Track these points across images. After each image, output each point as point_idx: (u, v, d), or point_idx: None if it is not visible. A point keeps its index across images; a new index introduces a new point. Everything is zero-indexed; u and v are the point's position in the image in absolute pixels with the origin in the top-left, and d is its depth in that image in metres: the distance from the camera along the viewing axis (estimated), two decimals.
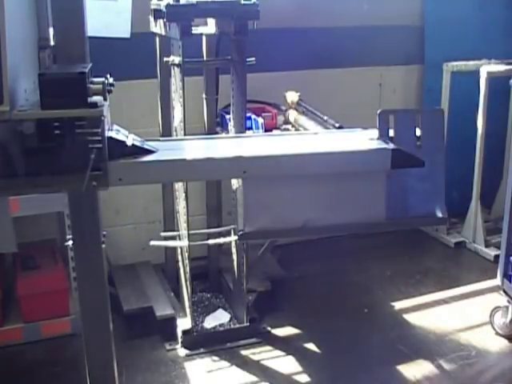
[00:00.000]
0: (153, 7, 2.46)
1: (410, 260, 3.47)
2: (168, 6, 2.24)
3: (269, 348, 2.67)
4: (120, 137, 1.28)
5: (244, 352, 2.64)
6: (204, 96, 2.87)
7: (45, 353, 2.60)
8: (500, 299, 2.73)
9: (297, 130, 2.86)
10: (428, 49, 3.68)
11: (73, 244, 1.40)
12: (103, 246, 1.41)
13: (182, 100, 2.39)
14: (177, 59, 2.36)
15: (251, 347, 2.67)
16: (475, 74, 3.29)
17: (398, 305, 3.02)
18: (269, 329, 2.80)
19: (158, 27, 2.48)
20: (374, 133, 1.43)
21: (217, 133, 2.92)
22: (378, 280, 3.25)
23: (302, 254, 3.43)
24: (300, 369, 2.53)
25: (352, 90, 3.52)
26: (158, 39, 2.68)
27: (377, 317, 2.93)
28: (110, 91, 1.23)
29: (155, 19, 2.45)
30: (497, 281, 2.71)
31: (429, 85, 3.70)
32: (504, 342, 2.68)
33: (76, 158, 1.19)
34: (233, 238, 2.71)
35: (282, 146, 1.45)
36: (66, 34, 1.27)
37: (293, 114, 2.94)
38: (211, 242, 2.73)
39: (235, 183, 2.57)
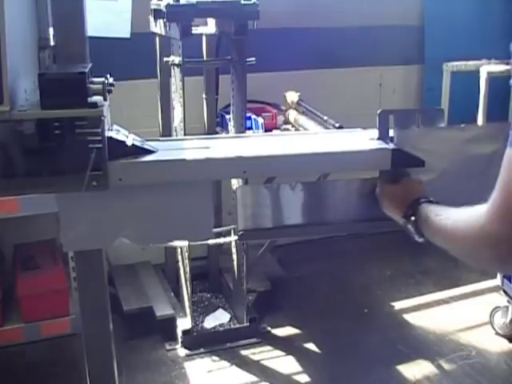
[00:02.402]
0: (153, 7, 2.46)
1: (410, 260, 3.47)
2: (168, 6, 2.24)
3: (269, 348, 2.67)
4: (120, 137, 1.27)
5: (244, 352, 2.64)
6: (204, 96, 2.87)
7: (45, 353, 2.60)
8: (500, 299, 2.73)
9: (297, 129, 2.86)
10: (428, 49, 3.68)
11: None
12: None
13: (181, 100, 2.39)
14: (177, 59, 2.36)
15: (251, 347, 2.67)
16: (475, 73, 3.29)
17: (398, 305, 3.02)
18: (269, 329, 2.80)
19: (157, 27, 2.48)
20: (374, 133, 1.43)
21: (217, 133, 2.92)
22: (378, 280, 3.25)
23: (302, 254, 3.43)
24: (300, 369, 2.53)
25: (352, 90, 3.52)
26: (157, 39, 2.68)
27: (377, 317, 2.93)
28: (110, 91, 1.23)
29: (155, 19, 2.45)
30: (497, 281, 2.71)
31: (429, 85, 3.70)
32: (504, 342, 2.68)
33: (76, 158, 1.18)
34: (233, 237, 2.71)
35: (282, 145, 1.45)
36: (66, 34, 1.27)
37: (293, 114, 2.93)
38: (211, 242, 2.72)
39: (235, 183, 2.57)
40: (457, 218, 1.04)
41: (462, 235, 1.01)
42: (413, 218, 1.22)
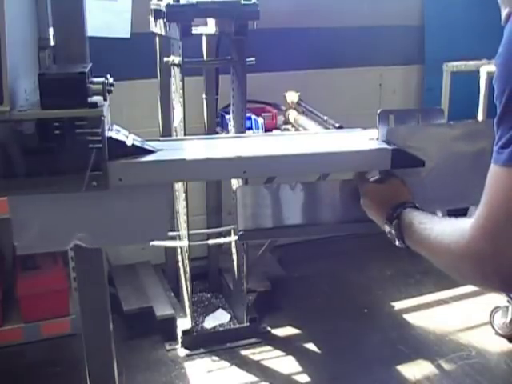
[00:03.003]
0: (153, 7, 2.46)
1: (410, 260, 3.45)
2: (168, 6, 2.24)
3: (269, 348, 2.67)
4: (120, 137, 1.27)
5: (244, 352, 2.64)
6: (204, 96, 2.87)
7: (45, 353, 2.60)
8: (500, 299, 2.73)
9: (297, 129, 2.86)
10: (428, 49, 3.68)
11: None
12: None
13: (182, 100, 2.39)
14: (177, 59, 2.36)
15: (251, 347, 2.67)
16: (475, 73, 3.29)
17: (398, 305, 3.02)
18: (269, 329, 2.80)
19: (158, 27, 2.48)
20: (374, 133, 1.43)
21: (217, 133, 2.92)
22: (378, 280, 3.25)
23: (302, 254, 3.43)
24: (300, 369, 2.53)
25: (352, 90, 3.52)
26: (158, 39, 2.68)
27: (377, 317, 2.93)
28: (109, 91, 1.23)
29: (155, 19, 2.45)
30: None
31: (429, 85, 3.70)
32: (504, 342, 2.68)
33: (76, 158, 1.19)
34: (233, 238, 2.71)
35: (281, 145, 1.45)
36: (66, 34, 1.27)
37: (293, 114, 2.93)
38: (211, 242, 2.73)
39: (235, 183, 2.57)
40: (441, 231, 1.02)
41: (446, 249, 0.98)
42: (395, 222, 1.18)
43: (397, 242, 1.20)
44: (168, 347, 2.66)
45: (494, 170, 0.89)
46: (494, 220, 0.88)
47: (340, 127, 2.53)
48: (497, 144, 0.89)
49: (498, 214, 0.87)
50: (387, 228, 1.22)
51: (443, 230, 1.01)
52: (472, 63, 3.44)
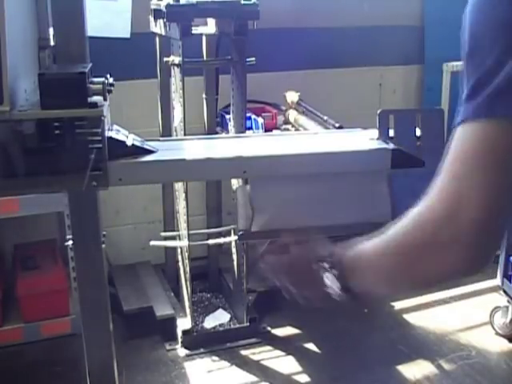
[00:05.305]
0: (153, 7, 2.46)
1: None
2: (168, 6, 2.24)
3: (269, 348, 2.67)
4: (120, 137, 1.28)
5: (244, 352, 2.64)
6: (204, 96, 2.87)
7: (45, 353, 2.60)
8: (500, 299, 2.73)
9: (297, 129, 2.86)
10: (428, 49, 3.68)
11: (73, 244, 1.40)
12: (103, 245, 1.41)
13: (181, 100, 2.39)
14: (177, 59, 2.36)
15: (251, 347, 2.67)
16: None
17: (398, 305, 3.02)
18: (269, 329, 2.80)
19: (157, 27, 2.48)
20: (374, 133, 1.43)
21: (217, 133, 2.92)
22: None
23: None
24: (300, 369, 2.53)
25: (352, 90, 3.52)
26: (157, 39, 2.68)
27: (377, 317, 2.93)
28: (110, 91, 1.23)
29: (155, 19, 2.45)
30: (497, 281, 2.71)
31: (429, 85, 3.70)
32: (504, 342, 2.68)
33: (76, 157, 1.19)
34: (233, 238, 2.71)
35: (281, 145, 1.45)
36: (66, 34, 1.27)
37: (293, 114, 2.93)
38: (211, 242, 2.73)
39: (235, 183, 2.57)
40: (391, 237, 0.86)
41: (410, 247, 0.83)
42: (335, 272, 0.99)
43: (339, 296, 1.01)
44: (168, 347, 2.66)
45: (463, 129, 0.78)
46: (460, 177, 0.78)
47: (340, 127, 2.53)
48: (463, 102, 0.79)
49: (463, 169, 0.78)
50: (327, 283, 1.02)
51: (392, 236, 0.86)
52: None
